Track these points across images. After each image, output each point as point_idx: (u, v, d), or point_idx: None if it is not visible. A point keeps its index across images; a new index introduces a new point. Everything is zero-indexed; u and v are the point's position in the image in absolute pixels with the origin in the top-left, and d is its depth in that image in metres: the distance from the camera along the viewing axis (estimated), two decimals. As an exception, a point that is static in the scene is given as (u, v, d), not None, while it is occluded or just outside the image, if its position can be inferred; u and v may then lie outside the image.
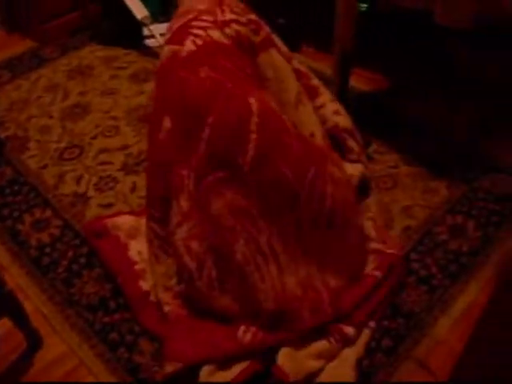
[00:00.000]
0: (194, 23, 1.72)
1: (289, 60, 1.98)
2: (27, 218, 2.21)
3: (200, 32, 1.70)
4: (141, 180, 2.30)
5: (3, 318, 1.71)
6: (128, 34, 3.12)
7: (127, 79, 2.91)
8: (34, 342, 1.81)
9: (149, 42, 3.00)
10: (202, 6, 1.77)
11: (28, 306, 1.84)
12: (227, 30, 1.74)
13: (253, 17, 1.85)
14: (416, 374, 1.69)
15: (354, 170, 2.13)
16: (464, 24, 2.16)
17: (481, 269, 1.95)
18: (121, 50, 3.13)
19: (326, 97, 2.12)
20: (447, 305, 1.85)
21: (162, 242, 1.81)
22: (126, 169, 2.38)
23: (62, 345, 1.82)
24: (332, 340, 1.72)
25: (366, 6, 2.69)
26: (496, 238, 2.05)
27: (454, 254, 2.00)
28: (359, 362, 1.69)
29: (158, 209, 1.79)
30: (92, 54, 3.14)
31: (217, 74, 1.66)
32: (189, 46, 1.68)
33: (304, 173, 1.71)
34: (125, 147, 2.49)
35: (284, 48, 1.98)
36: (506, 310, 1.08)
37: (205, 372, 1.68)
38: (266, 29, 1.88)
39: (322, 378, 1.66)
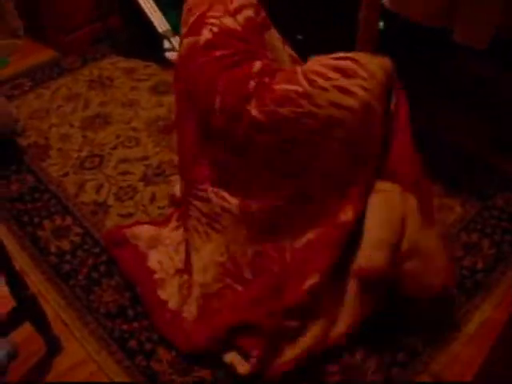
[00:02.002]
0: (208, 14, 1.88)
1: (284, 43, 2.10)
2: (47, 225, 2.25)
3: (214, 21, 1.85)
4: (160, 191, 2.34)
5: (25, 322, 1.74)
6: (148, 46, 3.16)
7: (147, 91, 2.95)
8: (54, 348, 1.84)
9: (169, 54, 3.03)
10: None
11: (48, 312, 1.86)
12: (238, 17, 1.89)
13: (253, 0, 1.99)
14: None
15: None
16: (480, 44, 2.20)
17: (496, 286, 1.97)
18: (141, 62, 3.17)
19: None
20: (463, 321, 1.87)
21: (208, 220, 1.91)
22: (145, 179, 2.42)
23: (81, 351, 1.85)
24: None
25: (382, 23, 2.72)
26: (510, 256, 2.07)
27: (469, 271, 2.02)
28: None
29: (200, 188, 1.92)
30: (112, 65, 3.18)
31: (230, 51, 1.82)
32: (206, 34, 1.85)
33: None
34: (145, 158, 2.52)
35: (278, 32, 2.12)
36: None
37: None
38: (263, 12, 2.01)
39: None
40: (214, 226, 1.91)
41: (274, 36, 2.04)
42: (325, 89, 1.69)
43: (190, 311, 1.87)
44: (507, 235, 2.15)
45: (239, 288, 1.87)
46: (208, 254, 1.91)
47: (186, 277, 1.96)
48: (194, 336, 1.81)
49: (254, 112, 1.75)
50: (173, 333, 1.85)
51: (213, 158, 1.90)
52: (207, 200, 1.91)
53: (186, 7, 1.98)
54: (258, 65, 1.79)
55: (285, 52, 2.09)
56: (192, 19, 1.90)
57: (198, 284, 1.89)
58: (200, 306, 1.87)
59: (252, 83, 1.76)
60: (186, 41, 1.90)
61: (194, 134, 1.93)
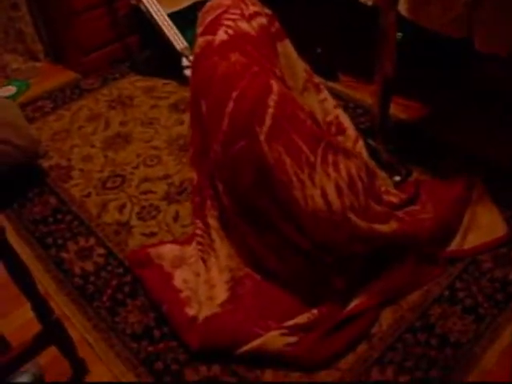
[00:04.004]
0: (225, 16, 1.95)
1: (298, 56, 2.15)
2: (71, 247, 2.24)
3: (230, 23, 1.92)
4: (183, 209, 2.32)
5: (50, 346, 1.73)
6: (167, 64, 3.17)
7: (167, 109, 2.96)
8: (80, 371, 1.82)
9: (188, 72, 3.03)
10: (228, 2, 2.00)
11: (73, 334, 1.85)
12: (253, 23, 1.95)
13: (268, 11, 2.06)
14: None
15: None
16: (501, 50, 2.17)
17: (528, 297, 1.92)
18: (160, 81, 3.18)
19: (326, 92, 2.27)
20: (495, 334, 1.82)
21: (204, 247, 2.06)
22: (168, 198, 2.40)
23: (107, 373, 1.83)
24: None
25: (400, 34, 2.69)
26: (543, 266, 2.02)
27: (500, 283, 1.97)
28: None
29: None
30: (132, 84, 3.20)
31: (245, 59, 1.86)
32: (221, 35, 1.91)
33: (316, 144, 1.84)
34: (167, 176, 2.51)
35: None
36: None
37: None
38: (277, 23, 2.07)
39: None
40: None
41: (288, 47, 2.09)
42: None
43: (219, 298, 1.91)
44: (539, 245, 2.09)
45: (258, 277, 1.95)
46: (228, 245, 2.03)
47: (212, 273, 1.99)
48: (228, 323, 1.84)
49: (262, 138, 1.77)
50: (208, 339, 1.82)
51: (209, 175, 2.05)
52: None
53: (203, 10, 2.06)
54: (275, 87, 1.82)
55: (300, 65, 2.13)
56: (208, 19, 1.97)
57: (228, 269, 1.97)
58: (230, 288, 1.93)
59: (270, 110, 1.79)
60: (201, 39, 1.97)
61: (198, 142, 2.08)
